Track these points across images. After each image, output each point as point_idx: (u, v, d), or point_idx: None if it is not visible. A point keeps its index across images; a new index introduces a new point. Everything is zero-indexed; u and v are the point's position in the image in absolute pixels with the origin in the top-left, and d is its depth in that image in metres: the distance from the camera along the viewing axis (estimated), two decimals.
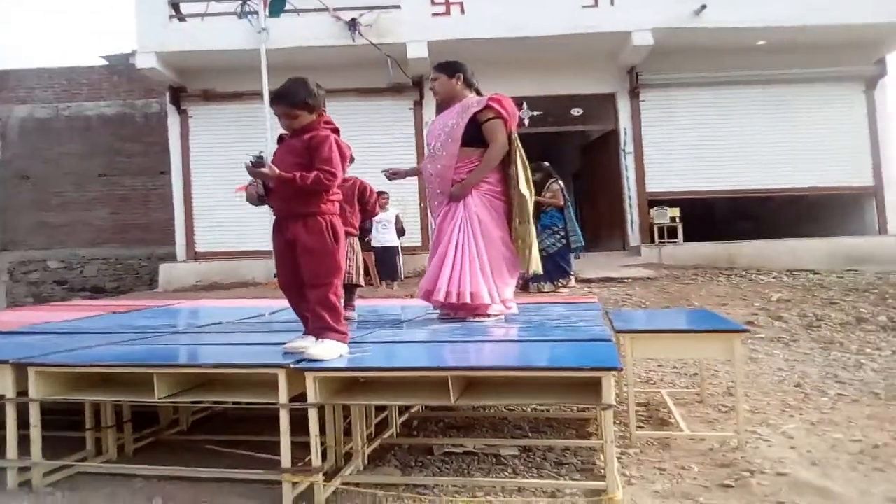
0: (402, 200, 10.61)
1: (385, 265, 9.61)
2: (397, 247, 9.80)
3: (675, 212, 11.74)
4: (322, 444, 2.71)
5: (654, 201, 11.87)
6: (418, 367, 2.62)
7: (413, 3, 11.01)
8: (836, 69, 11.68)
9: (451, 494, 2.61)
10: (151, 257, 13.77)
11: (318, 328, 2.81)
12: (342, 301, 3.03)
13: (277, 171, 2.79)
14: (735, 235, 12.06)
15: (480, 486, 2.68)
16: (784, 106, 11.78)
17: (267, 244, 2.99)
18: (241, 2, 10.97)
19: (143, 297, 9.73)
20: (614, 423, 3.30)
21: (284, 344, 2.84)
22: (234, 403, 3.93)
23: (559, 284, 8.22)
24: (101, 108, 14.30)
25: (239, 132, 11.30)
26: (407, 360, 2.88)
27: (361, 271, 4.55)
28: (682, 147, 11.82)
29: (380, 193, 9.25)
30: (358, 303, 4.81)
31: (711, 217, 14.78)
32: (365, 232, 5.43)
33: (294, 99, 2.88)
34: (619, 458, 2.93)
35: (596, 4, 10.90)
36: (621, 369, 2.46)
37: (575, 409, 3.73)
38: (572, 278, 8.49)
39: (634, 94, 11.94)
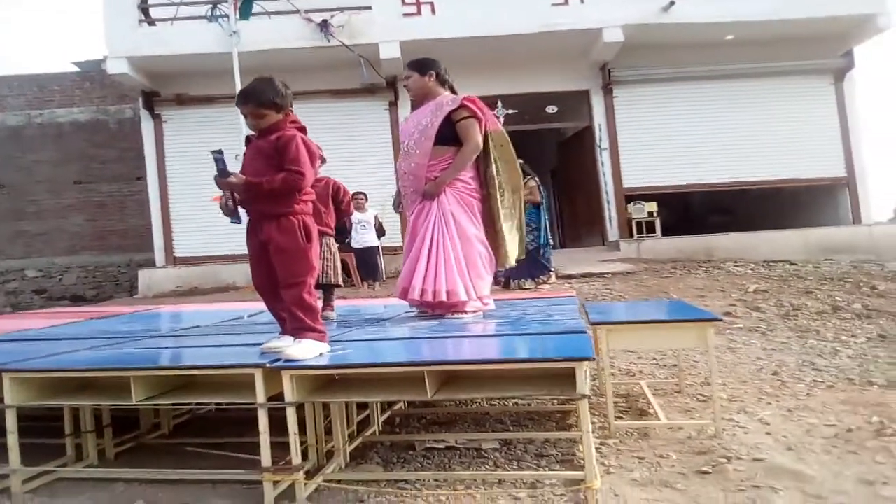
0: (381, 201, 10.60)
1: (366, 266, 9.64)
2: (377, 247, 9.85)
3: (653, 206, 11.86)
4: (303, 443, 2.71)
5: (631, 196, 11.97)
6: (394, 364, 2.62)
7: (383, 3, 11.02)
8: (805, 62, 11.88)
9: (432, 489, 2.63)
10: (130, 264, 13.65)
11: (295, 328, 2.80)
12: (319, 301, 3.03)
13: (244, 177, 2.79)
14: (712, 229, 12.20)
15: (461, 479, 2.70)
16: (755, 99, 11.94)
17: (246, 248, 2.97)
18: (210, 5, 10.92)
19: (123, 304, 9.64)
20: (593, 414, 3.36)
21: (262, 345, 2.84)
22: (216, 405, 3.94)
23: (540, 281, 8.27)
24: (74, 114, 14.14)
25: (213, 136, 11.13)
26: (383, 356, 2.88)
27: (340, 271, 4.55)
28: (656, 142, 11.94)
29: (357, 194, 9.35)
30: (339, 303, 4.81)
31: (689, 211, 14.94)
32: (343, 233, 5.42)
33: (261, 98, 2.85)
34: (598, 449, 2.96)
35: (566, 2, 11.01)
36: (593, 359, 2.49)
37: (555, 402, 3.76)
38: (552, 275, 8.53)
39: (608, 91, 12.04)
